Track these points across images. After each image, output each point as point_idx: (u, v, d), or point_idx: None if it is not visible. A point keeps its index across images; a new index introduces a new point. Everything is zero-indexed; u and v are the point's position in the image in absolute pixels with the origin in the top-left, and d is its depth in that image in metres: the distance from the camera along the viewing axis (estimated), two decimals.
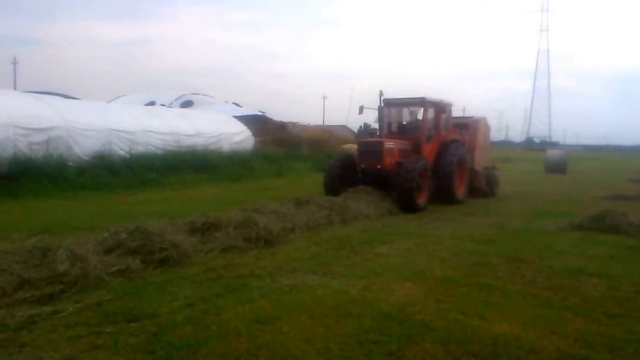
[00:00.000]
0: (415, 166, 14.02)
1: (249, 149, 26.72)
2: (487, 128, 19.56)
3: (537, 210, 14.79)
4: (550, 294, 6.64)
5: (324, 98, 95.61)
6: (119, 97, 39.17)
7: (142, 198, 15.32)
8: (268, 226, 9.33)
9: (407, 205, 13.72)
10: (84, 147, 18.27)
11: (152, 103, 33.61)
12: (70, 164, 17.07)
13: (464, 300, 6.29)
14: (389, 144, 15.11)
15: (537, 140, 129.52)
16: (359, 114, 16.44)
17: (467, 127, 18.27)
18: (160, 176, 18.86)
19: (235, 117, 29.66)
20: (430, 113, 16.28)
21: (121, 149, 19.58)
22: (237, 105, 38.67)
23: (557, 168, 33.02)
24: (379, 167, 14.62)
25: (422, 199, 14.21)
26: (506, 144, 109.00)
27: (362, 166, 15.10)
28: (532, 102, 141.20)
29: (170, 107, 31.72)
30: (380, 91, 16.46)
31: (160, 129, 21.89)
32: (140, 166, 18.99)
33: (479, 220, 12.79)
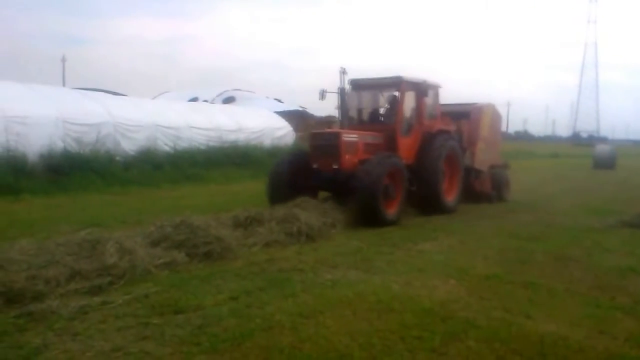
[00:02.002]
0: (380, 166, 10.71)
1: (290, 145, 26.89)
2: (494, 117, 15.88)
3: (585, 207, 14.44)
4: (598, 293, 6.51)
5: None
6: (163, 93, 40.02)
7: (186, 192, 15.61)
8: (309, 221, 9.38)
9: (370, 218, 10.47)
10: (131, 142, 18.73)
11: (195, 99, 34.13)
12: (117, 159, 17.55)
13: (508, 298, 6.21)
14: (350, 137, 11.53)
15: (584, 135, 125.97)
16: (321, 99, 12.67)
17: (468, 115, 14.96)
18: (203, 171, 19.18)
19: (276, 112, 29.87)
20: (409, 97, 12.62)
21: (166, 144, 19.99)
22: (279, 100, 38.96)
23: (605, 164, 32.15)
24: (335, 167, 11.15)
25: (392, 210, 10.99)
26: (553, 139, 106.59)
27: (315, 166, 11.55)
28: (578, 95, 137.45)
29: (213, 103, 32.21)
30: (342, 69, 12.41)
31: (203, 125, 22.21)
32: (184, 161, 19.37)
33: (523, 218, 12.54)
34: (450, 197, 13.04)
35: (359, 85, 13.09)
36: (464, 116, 14.87)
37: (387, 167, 10.90)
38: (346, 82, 12.69)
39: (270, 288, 6.33)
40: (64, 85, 44.46)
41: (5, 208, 11.96)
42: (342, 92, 12.56)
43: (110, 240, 6.84)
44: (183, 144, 20.61)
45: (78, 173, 15.59)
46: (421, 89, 12.51)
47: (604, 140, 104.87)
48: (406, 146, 12.36)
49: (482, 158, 14.79)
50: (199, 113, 23.38)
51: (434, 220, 11.71)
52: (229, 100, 36.19)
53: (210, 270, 7.05)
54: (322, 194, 12.19)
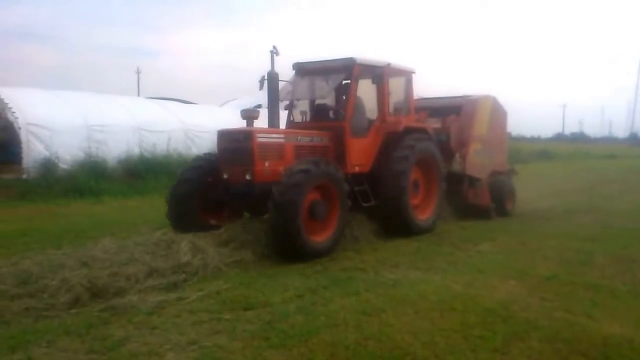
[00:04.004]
0: (301, 176, 7.81)
1: None
2: (496, 113, 12.73)
3: None
4: None
5: None
6: (230, 100, 41.02)
7: None
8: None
9: (285, 247, 7.75)
10: (200, 147, 19.53)
11: (258, 106, 34.84)
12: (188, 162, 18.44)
13: (569, 299, 6.15)
14: (268, 137, 8.60)
15: None
16: (260, 89, 9.65)
17: (460, 110, 12.10)
18: None
19: None
20: (365, 85, 9.81)
21: None
22: None
23: None
24: (248, 178, 8.26)
25: (322, 236, 8.23)
26: (609, 140, 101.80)
27: (225, 176, 8.66)
28: (635, 96, 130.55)
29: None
30: (274, 48, 9.19)
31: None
32: None
33: (582, 218, 12.24)
34: (423, 214, 10.28)
35: (304, 70, 10.10)
36: (454, 111, 12.11)
37: (313, 178, 7.98)
38: (277, 64, 9.36)
39: (333, 286, 6.53)
40: (138, 94, 46.49)
41: (88, 210, 12.86)
42: (271, 79, 9.21)
43: (184, 240, 7.26)
44: None
45: (152, 176, 16.58)
46: (381, 75, 9.66)
47: None
48: (360, 149, 9.51)
49: (478, 163, 11.98)
50: (261, 119, 24.02)
51: (491, 222, 11.62)
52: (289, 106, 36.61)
53: (276, 269, 7.34)
54: None
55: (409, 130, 10.03)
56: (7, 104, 16.28)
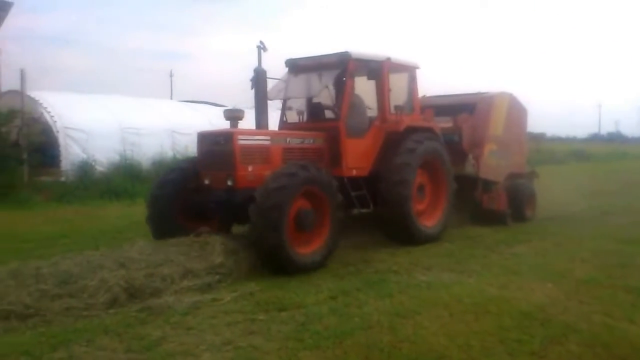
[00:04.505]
0: (287, 180, 7.19)
1: None
2: (513, 111, 11.89)
3: None
4: None
5: None
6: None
7: None
8: None
9: (269, 258, 7.15)
10: None
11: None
12: None
13: (609, 302, 6.02)
14: (251, 139, 8.04)
15: None
16: (252, 88, 8.67)
17: (474, 108, 11.30)
18: None
19: None
20: (362, 81, 9.32)
21: None
22: None
23: None
24: (229, 183, 7.70)
25: (310, 248, 7.54)
26: None
27: (206, 182, 8.10)
28: None
29: None
30: (261, 43, 8.60)
31: None
32: None
33: (620, 220, 11.98)
34: (430, 220, 9.52)
35: (297, 66, 9.51)
36: (467, 110, 11.29)
37: (301, 183, 7.33)
38: (265, 61, 8.72)
39: (367, 288, 6.52)
40: (171, 98, 47.15)
41: (123, 211, 13.16)
42: (258, 76, 8.54)
43: (217, 241, 7.32)
44: None
45: None
46: (380, 71, 9.10)
47: None
48: (357, 151, 8.84)
49: (493, 164, 11.19)
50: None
51: (526, 224, 11.42)
52: None
53: (309, 271, 7.33)
54: None
55: (412, 130, 9.32)
56: (46, 108, 16.75)
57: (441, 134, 10.03)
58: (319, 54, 9.22)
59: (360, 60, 8.91)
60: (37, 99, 17.14)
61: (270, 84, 8.93)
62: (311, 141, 8.67)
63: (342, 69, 8.80)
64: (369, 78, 9.14)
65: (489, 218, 11.05)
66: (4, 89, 18.98)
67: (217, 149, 7.93)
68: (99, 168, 16.46)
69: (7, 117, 15.84)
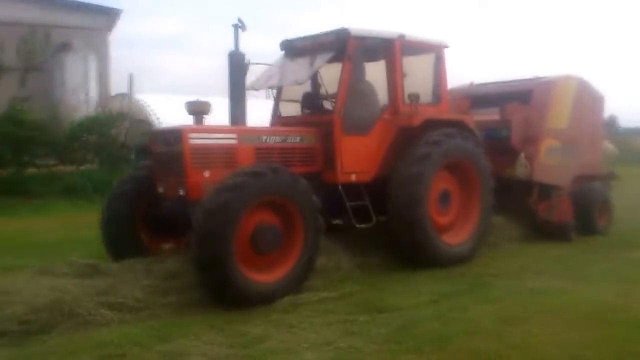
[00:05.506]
0: (231, 196, 5.67)
1: None
2: (582, 99, 9.76)
3: None
4: None
5: None
6: None
7: None
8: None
9: (215, 287, 5.78)
10: None
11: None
12: None
13: None
14: (206, 137, 6.62)
15: None
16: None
17: (529, 96, 9.41)
18: None
19: None
20: (358, 63, 7.48)
21: None
22: None
23: None
24: (181, 193, 6.40)
25: (272, 275, 6.12)
26: None
27: (161, 190, 6.89)
28: None
29: None
30: (239, 21, 7.10)
31: None
32: None
33: None
34: (456, 237, 7.77)
35: (294, 49, 7.99)
36: (520, 99, 9.37)
37: (252, 196, 5.84)
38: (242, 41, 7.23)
39: (470, 293, 6.31)
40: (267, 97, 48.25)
41: None
42: (234, 60, 7.07)
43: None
44: None
45: None
46: (390, 51, 7.57)
47: None
48: (357, 151, 7.27)
49: (553, 165, 9.26)
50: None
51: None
52: None
53: (405, 273, 7.20)
54: None
55: (433, 124, 7.51)
56: (151, 109, 17.63)
57: (481, 129, 8.43)
58: (317, 32, 7.71)
59: (362, 38, 7.32)
60: (143, 101, 17.98)
61: (256, 72, 7.72)
62: (297, 139, 7.14)
63: (337, 50, 7.28)
64: (376, 60, 7.71)
65: (548, 231, 9.20)
66: (113, 92, 20.39)
67: (168, 150, 6.66)
68: None
69: (116, 119, 16.94)
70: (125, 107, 8.23)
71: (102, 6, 21.34)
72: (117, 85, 20.86)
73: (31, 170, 15.77)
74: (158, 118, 17.34)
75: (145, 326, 5.31)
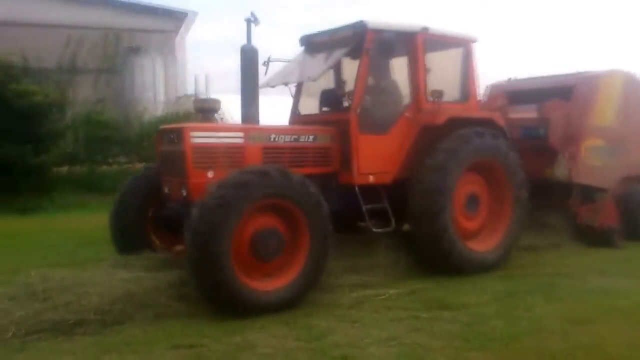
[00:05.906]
0: (232, 194, 5.40)
1: None
2: (630, 95, 9.11)
3: None
4: None
5: None
6: None
7: None
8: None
9: (207, 290, 5.47)
10: None
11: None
12: None
13: None
14: (209, 136, 6.32)
15: None
16: (265, 74, 7.54)
17: (571, 93, 8.83)
18: None
19: None
20: (377, 58, 7.14)
21: None
22: None
23: None
24: (184, 194, 6.18)
25: (278, 280, 5.78)
26: None
27: (166, 190, 6.73)
28: None
29: None
30: (252, 15, 6.75)
31: None
32: None
33: None
34: (484, 243, 7.34)
35: (313, 44, 7.78)
36: (561, 95, 8.82)
37: (254, 196, 5.54)
38: (254, 36, 6.93)
39: (534, 292, 6.26)
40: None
41: None
42: (247, 56, 6.78)
43: (381, 242, 7.30)
44: None
45: None
46: (412, 45, 7.21)
47: None
48: (375, 151, 6.94)
49: (597, 166, 8.69)
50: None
51: None
52: None
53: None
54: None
55: (459, 122, 7.13)
56: (225, 109, 18.11)
57: (519, 127, 8.21)
58: (336, 26, 7.41)
59: (381, 31, 6.87)
60: (217, 100, 18.41)
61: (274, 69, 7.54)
62: (310, 139, 6.83)
63: (354, 44, 6.97)
64: (398, 55, 7.30)
65: (590, 236, 8.64)
66: (184, 93, 21.08)
67: (171, 149, 6.48)
68: None
69: (182, 119, 17.54)
70: (194, 107, 8.78)
71: (171, 10, 21.93)
72: (188, 86, 21.50)
73: (104, 168, 16.57)
74: (232, 117, 17.74)
75: (213, 318, 5.48)
